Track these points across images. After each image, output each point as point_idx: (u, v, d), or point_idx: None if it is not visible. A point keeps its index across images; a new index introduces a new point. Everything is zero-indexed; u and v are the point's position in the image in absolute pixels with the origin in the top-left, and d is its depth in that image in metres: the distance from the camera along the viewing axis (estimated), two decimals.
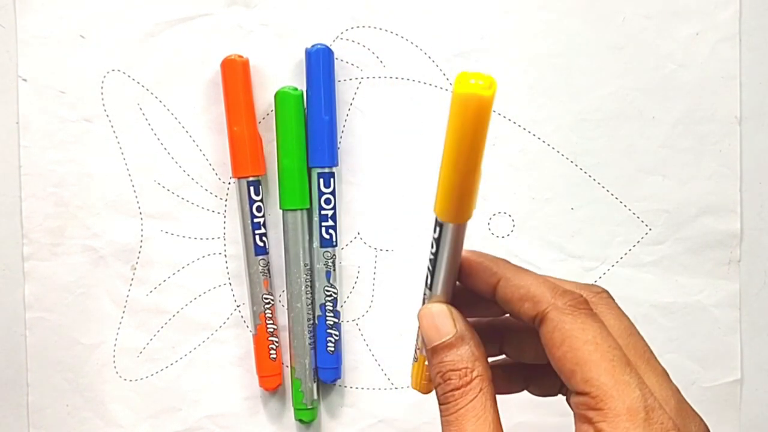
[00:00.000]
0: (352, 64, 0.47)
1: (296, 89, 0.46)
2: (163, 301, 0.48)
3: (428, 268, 0.30)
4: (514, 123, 0.47)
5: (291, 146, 0.45)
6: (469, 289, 0.32)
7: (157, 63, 0.47)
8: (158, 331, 0.48)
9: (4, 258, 0.48)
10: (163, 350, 0.48)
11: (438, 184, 0.27)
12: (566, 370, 0.29)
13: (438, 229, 0.28)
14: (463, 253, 0.31)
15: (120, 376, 0.48)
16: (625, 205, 0.47)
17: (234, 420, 0.48)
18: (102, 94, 0.48)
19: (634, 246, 0.47)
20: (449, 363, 0.30)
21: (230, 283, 0.48)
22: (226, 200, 0.48)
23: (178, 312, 0.48)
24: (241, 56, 0.46)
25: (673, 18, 0.47)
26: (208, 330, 0.48)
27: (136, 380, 0.48)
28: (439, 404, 0.30)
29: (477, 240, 0.47)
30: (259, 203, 0.46)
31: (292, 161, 0.45)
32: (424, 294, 0.31)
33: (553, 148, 0.47)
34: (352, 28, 0.47)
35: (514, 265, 0.31)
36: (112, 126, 0.48)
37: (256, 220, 0.46)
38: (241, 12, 0.47)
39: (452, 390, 0.30)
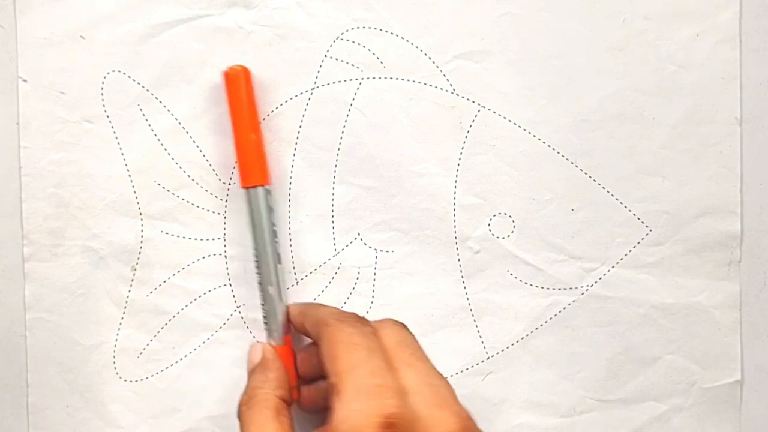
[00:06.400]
0: (352, 65, 0.47)
1: None
2: (163, 302, 0.48)
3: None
4: (514, 124, 0.47)
5: None
6: (302, 333, 0.42)
7: (158, 64, 0.47)
8: (158, 332, 0.48)
9: (4, 259, 0.48)
10: (164, 351, 0.48)
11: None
12: (326, 371, 0.34)
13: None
14: (291, 308, 0.43)
15: (120, 377, 0.48)
16: (626, 206, 0.47)
17: (234, 421, 0.48)
18: (102, 94, 0.48)
19: (634, 247, 0.47)
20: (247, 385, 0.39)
21: (230, 284, 0.48)
22: (226, 201, 0.48)
23: (178, 313, 0.48)
24: (241, 66, 0.45)
25: (674, 19, 0.47)
26: (209, 331, 0.48)
27: (136, 381, 0.48)
28: None
29: (477, 241, 0.47)
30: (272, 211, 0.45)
31: None
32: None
33: (553, 149, 0.47)
34: (352, 28, 0.47)
35: (320, 304, 0.41)
36: (112, 127, 0.48)
37: (274, 228, 0.45)
38: (242, 13, 0.47)
39: (240, 405, 0.38)
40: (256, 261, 0.40)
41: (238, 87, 0.45)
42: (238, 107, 0.45)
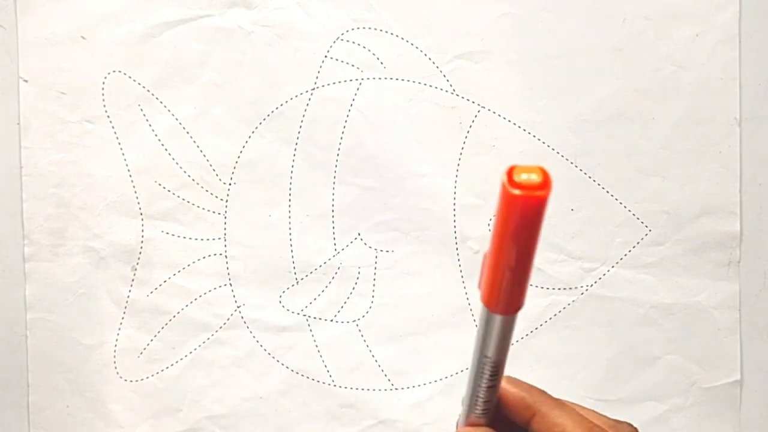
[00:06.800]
0: (352, 65, 0.47)
1: None
2: (163, 302, 0.48)
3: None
4: (514, 124, 0.47)
5: None
6: (504, 417, 0.32)
7: (158, 64, 0.47)
8: (159, 332, 0.48)
9: (5, 259, 0.48)
10: (164, 351, 0.48)
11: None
12: None
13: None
14: (510, 394, 0.32)
15: (120, 377, 0.48)
16: (625, 206, 0.47)
17: (234, 421, 0.48)
18: (103, 94, 0.48)
19: (634, 247, 0.47)
20: None
21: (230, 284, 0.48)
22: (226, 201, 0.48)
23: (178, 313, 0.48)
24: (545, 192, 0.23)
25: (673, 19, 0.46)
26: (209, 331, 0.48)
27: (137, 381, 0.48)
28: None
29: (478, 241, 0.47)
30: None
31: None
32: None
33: (553, 149, 0.47)
34: (353, 29, 0.47)
35: (550, 397, 0.32)
36: (113, 127, 0.48)
37: None
38: (242, 13, 0.47)
39: None
40: (491, 374, 0.30)
41: (536, 217, 0.26)
42: (527, 237, 0.26)
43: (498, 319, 0.26)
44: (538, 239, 0.23)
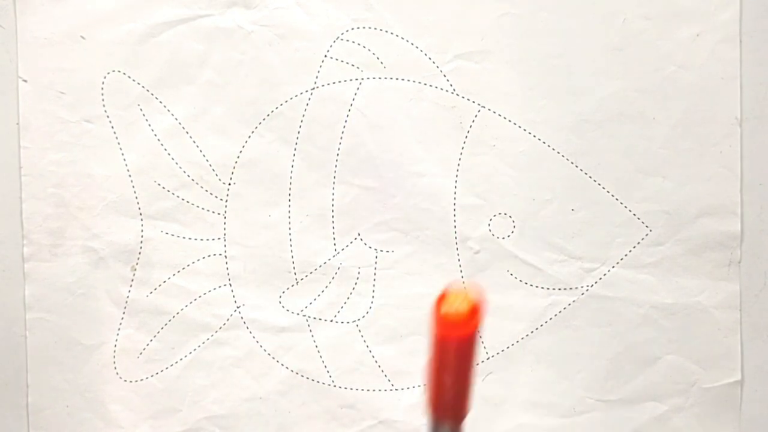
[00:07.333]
0: (352, 65, 0.47)
1: None
2: (163, 302, 0.48)
3: None
4: (515, 124, 0.47)
5: None
6: None
7: (158, 64, 0.47)
8: (158, 332, 0.48)
9: (4, 259, 0.48)
10: (163, 351, 0.48)
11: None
12: None
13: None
14: None
15: (120, 377, 0.48)
16: (626, 206, 0.47)
17: (233, 421, 0.48)
18: (102, 94, 0.48)
19: (634, 247, 0.47)
20: None
21: (230, 284, 0.48)
22: (226, 201, 0.48)
23: (178, 313, 0.48)
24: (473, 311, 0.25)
25: (674, 19, 0.46)
26: (208, 331, 0.48)
27: (136, 381, 0.48)
28: None
29: (477, 241, 0.47)
30: None
31: None
32: None
33: (553, 149, 0.47)
34: (353, 28, 0.47)
35: None
36: (112, 127, 0.48)
37: None
38: (242, 13, 0.47)
39: None
40: None
41: (467, 348, 0.27)
42: (460, 365, 0.28)
43: (446, 427, 0.27)
44: (474, 359, 0.25)
